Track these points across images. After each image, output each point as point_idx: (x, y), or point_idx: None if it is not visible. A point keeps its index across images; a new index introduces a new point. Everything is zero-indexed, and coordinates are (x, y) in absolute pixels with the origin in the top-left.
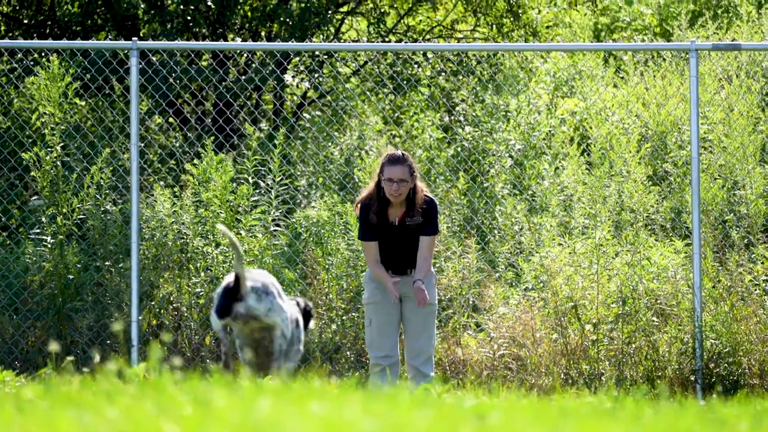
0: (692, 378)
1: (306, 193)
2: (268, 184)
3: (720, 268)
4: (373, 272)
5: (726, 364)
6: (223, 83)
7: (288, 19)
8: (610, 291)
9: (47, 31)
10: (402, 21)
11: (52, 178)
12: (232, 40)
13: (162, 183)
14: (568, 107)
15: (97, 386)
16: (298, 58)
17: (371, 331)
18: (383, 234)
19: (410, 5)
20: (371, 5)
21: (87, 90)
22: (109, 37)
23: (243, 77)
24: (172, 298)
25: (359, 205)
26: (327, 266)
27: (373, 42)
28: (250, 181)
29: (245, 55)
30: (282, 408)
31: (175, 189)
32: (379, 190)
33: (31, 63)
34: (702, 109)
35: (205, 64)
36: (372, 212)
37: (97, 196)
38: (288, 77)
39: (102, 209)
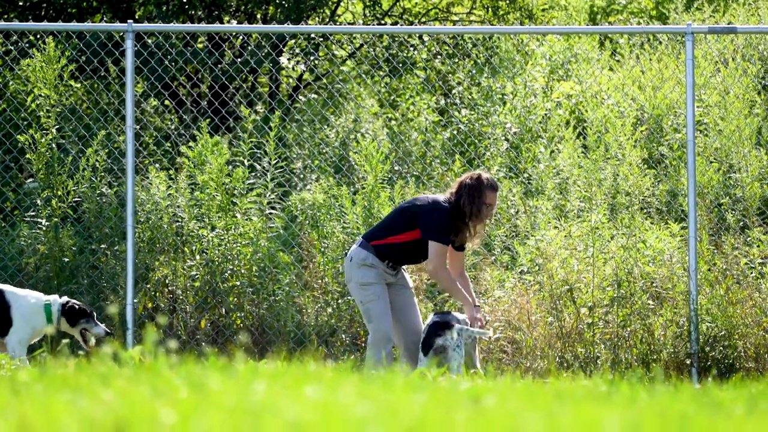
0: (687, 361)
1: (302, 176)
2: (263, 167)
3: (715, 251)
4: (450, 283)
5: (721, 348)
6: (219, 66)
7: (284, 2)
8: (605, 274)
9: (43, 13)
10: (398, 3)
11: (48, 160)
12: (228, 22)
13: (157, 166)
14: (564, 90)
15: (93, 369)
16: (293, 41)
17: (379, 305)
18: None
19: None
20: None
21: (82, 72)
22: (105, 19)
23: (239, 60)
24: (167, 281)
25: (449, 212)
26: (323, 249)
27: (368, 25)
28: (246, 163)
29: (241, 37)
30: (277, 391)
31: (171, 172)
32: (459, 208)
33: (27, 45)
34: (698, 93)
35: (200, 46)
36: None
37: (93, 179)
38: (284, 60)
39: (97, 192)
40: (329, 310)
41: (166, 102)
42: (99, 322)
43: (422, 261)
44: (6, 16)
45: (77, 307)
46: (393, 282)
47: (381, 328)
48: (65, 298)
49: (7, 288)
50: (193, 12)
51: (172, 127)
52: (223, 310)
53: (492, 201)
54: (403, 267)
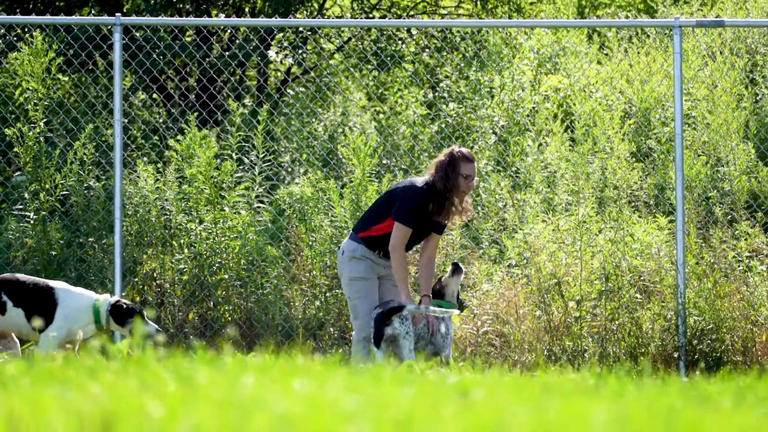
0: (675, 355)
1: (290, 170)
2: (251, 161)
3: (703, 244)
4: (399, 266)
5: (709, 341)
6: (207, 59)
7: None
8: (593, 268)
9: (30, 6)
10: None
11: (35, 153)
12: (216, 15)
13: (145, 159)
14: (552, 84)
15: (80, 363)
16: (281, 34)
17: (366, 302)
18: (418, 227)
19: None
20: None
21: (70, 66)
22: (93, 12)
23: (227, 53)
24: (155, 275)
25: (425, 192)
26: (310, 243)
27: (357, 18)
28: (234, 157)
29: (229, 30)
30: (265, 385)
31: (159, 165)
32: (435, 186)
33: (15, 38)
34: (686, 86)
35: (188, 39)
36: (433, 212)
37: (81, 172)
38: (272, 53)
39: (85, 185)
40: (317, 303)
41: (154, 95)
42: (149, 321)
43: (412, 248)
44: None
45: (125, 306)
46: (385, 275)
47: (365, 326)
48: (115, 297)
49: (60, 286)
50: (181, 5)
51: (160, 120)
52: (211, 303)
53: (468, 172)
54: None
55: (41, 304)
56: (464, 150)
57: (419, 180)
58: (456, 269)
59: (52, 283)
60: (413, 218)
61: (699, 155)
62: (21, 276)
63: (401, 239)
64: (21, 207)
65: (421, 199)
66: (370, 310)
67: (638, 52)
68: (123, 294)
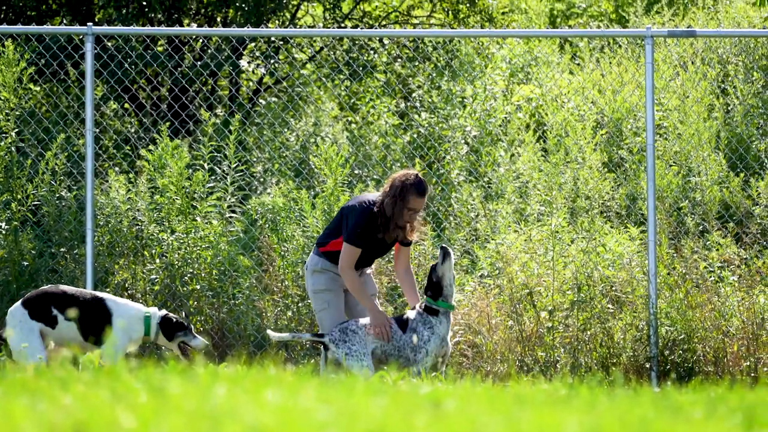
0: (647, 365)
1: (262, 180)
2: (223, 171)
3: (675, 255)
4: (353, 285)
5: (681, 351)
6: (179, 69)
7: (243, 5)
8: (565, 278)
9: (1, 16)
10: (358, 6)
11: (7, 164)
12: (188, 25)
13: (117, 169)
14: (524, 94)
15: (52, 373)
16: (253, 44)
17: (330, 314)
18: (369, 244)
19: None
20: None
21: (42, 75)
22: (64, 22)
23: (198, 63)
24: (127, 285)
25: (369, 211)
26: (283, 253)
27: (329, 28)
28: (206, 167)
29: (201, 40)
30: (237, 395)
31: (131, 175)
32: (385, 209)
33: None
34: (657, 96)
35: (160, 49)
36: (380, 231)
37: (52, 182)
38: (244, 63)
39: (57, 195)
40: (289, 313)
41: (126, 105)
42: (197, 335)
43: (374, 260)
44: None
45: (174, 320)
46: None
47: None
48: (164, 311)
49: (107, 296)
50: (153, 15)
51: (132, 130)
52: (183, 313)
53: (415, 206)
54: (368, 271)
55: (95, 316)
56: (418, 182)
57: (371, 196)
58: (446, 254)
59: (99, 294)
60: (359, 238)
61: (670, 165)
62: (66, 287)
63: (348, 259)
64: None
65: (364, 220)
66: (336, 320)
67: (610, 62)
68: None
